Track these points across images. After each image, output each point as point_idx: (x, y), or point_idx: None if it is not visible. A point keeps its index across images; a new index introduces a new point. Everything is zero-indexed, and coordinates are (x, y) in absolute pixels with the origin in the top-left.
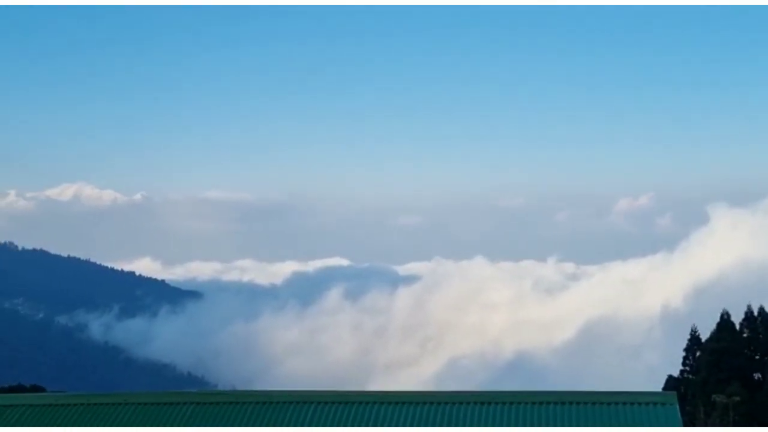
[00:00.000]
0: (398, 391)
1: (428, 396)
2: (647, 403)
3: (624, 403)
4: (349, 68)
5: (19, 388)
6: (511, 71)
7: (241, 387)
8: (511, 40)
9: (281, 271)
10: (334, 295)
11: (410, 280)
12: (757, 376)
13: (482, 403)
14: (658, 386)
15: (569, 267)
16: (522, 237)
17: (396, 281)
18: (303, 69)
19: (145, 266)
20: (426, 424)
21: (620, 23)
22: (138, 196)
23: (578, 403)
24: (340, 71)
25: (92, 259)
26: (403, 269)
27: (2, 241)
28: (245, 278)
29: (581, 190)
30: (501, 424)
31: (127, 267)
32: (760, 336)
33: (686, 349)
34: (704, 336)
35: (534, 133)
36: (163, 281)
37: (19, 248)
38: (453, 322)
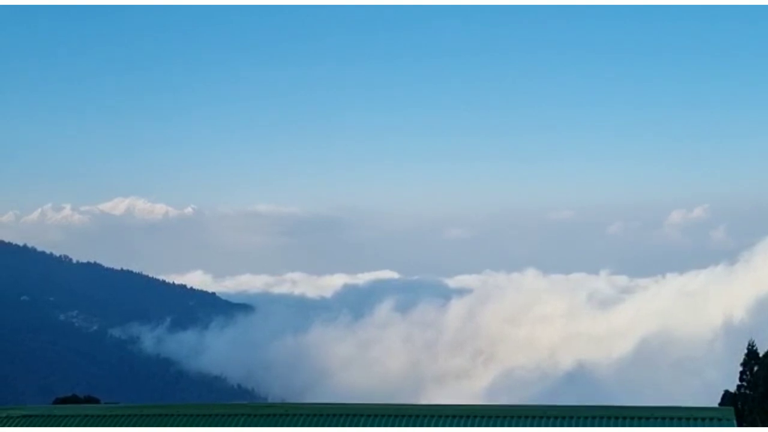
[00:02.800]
0: (450, 405)
1: (481, 409)
2: (704, 419)
3: (681, 419)
4: (398, 82)
5: (74, 399)
6: (563, 85)
7: (291, 400)
8: (561, 55)
9: (331, 283)
10: (384, 308)
11: (461, 292)
12: None
13: (536, 417)
14: (715, 401)
15: (622, 280)
16: (572, 250)
17: (446, 294)
18: (351, 84)
19: (196, 279)
20: None
21: (686, 30)
22: (189, 210)
23: (634, 418)
24: (390, 85)
25: (144, 272)
26: (453, 282)
27: (58, 255)
28: (295, 291)
29: (633, 202)
30: None
31: (178, 280)
32: None
33: (743, 364)
34: (763, 350)
35: (584, 145)
36: (213, 294)
37: (74, 261)
38: (505, 334)
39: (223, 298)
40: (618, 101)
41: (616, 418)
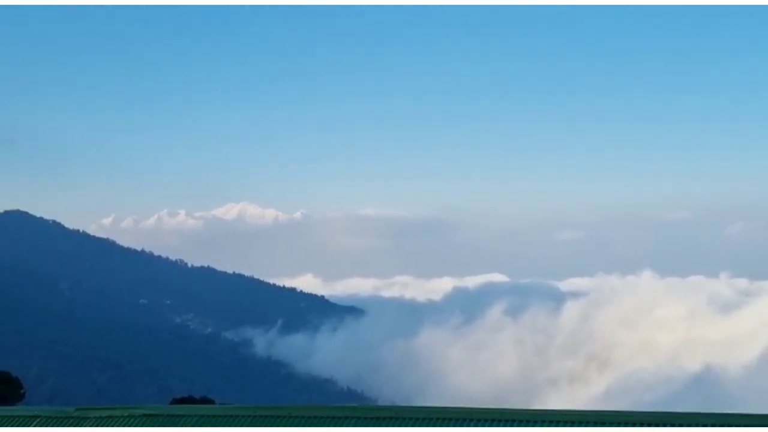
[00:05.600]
0: (565, 410)
1: (597, 415)
2: None
3: None
4: (502, 75)
5: (190, 400)
6: (673, 75)
7: (400, 403)
8: (679, 45)
9: (439, 287)
10: (495, 312)
11: (573, 296)
12: None
13: (658, 425)
14: None
15: (742, 283)
16: (690, 251)
17: (558, 297)
18: (455, 84)
19: (306, 282)
20: None
21: None
22: (298, 214)
23: (760, 426)
24: (494, 78)
25: (256, 276)
26: (565, 285)
27: (174, 259)
28: (404, 294)
29: (753, 202)
30: None
31: (289, 283)
32: None
33: None
34: None
35: (700, 142)
36: (323, 297)
37: (189, 265)
38: (621, 338)
39: (333, 301)
40: (734, 94)
41: (742, 425)
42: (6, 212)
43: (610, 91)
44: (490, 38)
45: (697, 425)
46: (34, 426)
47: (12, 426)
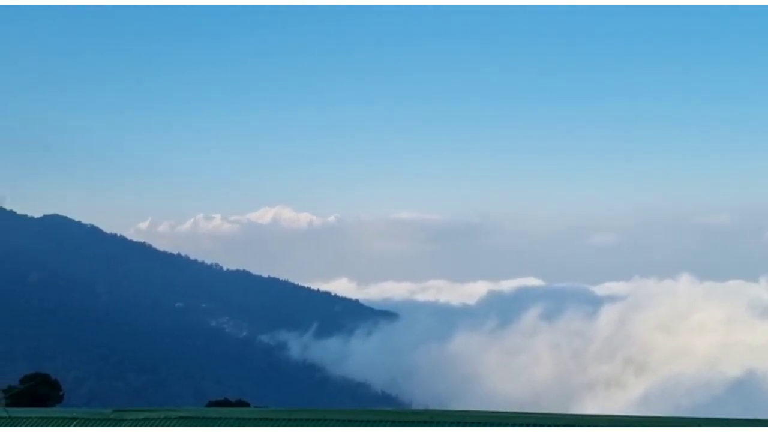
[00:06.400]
0: (603, 415)
1: (637, 420)
2: None
3: None
4: (537, 78)
5: (226, 402)
6: (713, 76)
7: (435, 407)
8: (716, 48)
9: (474, 291)
10: (530, 316)
11: (609, 300)
12: None
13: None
14: None
15: None
16: (727, 256)
17: (594, 301)
18: (489, 88)
19: (341, 286)
20: None
21: None
22: (332, 218)
23: None
24: (529, 82)
25: (291, 280)
26: (600, 289)
27: (209, 263)
28: (439, 298)
29: None
30: None
31: (323, 287)
32: None
33: None
34: None
35: (739, 145)
36: (357, 301)
37: (224, 269)
38: (658, 343)
39: (367, 305)
40: None
41: None
42: (45, 216)
43: (647, 93)
44: (520, 40)
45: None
46: (73, 426)
47: (51, 426)
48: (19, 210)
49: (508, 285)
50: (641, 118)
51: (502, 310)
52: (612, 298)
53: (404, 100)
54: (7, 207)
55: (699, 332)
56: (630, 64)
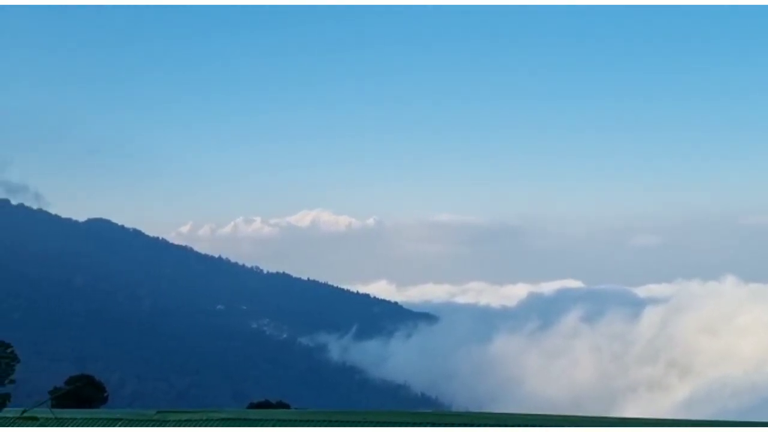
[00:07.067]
0: (645, 418)
1: (681, 424)
2: None
3: None
4: (578, 81)
5: (266, 404)
6: (756, 77)
7: (474, 409)
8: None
9: (513, 293)
10: (571, 318)
11: (651, 302)
12: None
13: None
14: None
15: None
16: None
17: (636, 303)
18: (528, 92)
19: (380, 289)
20: None
21: None
22: (371, 221)
23: None
24: (572, 84)
25: (330, 282)
26: (642, 291)
27: (250, 266)
28: (479, 301)
29: None
30: None
31: (363, 289)
32: None
33: None
34: None
35: None
36: (397, 303)
37: (264, 272)
38: (703, 345)
39: (407, 307)
40: None
41: None
42: (90, 220)
43: (690, 94)
44: (564, 40)
45: None
46: (117, 427)
47: (96, 427)
48: (64, 214)
49: (548, 287)
50: (686, 119)
51: (542, 312)
52: (654, 300)
53: (444, 103)
54: (53, 211)
55: (744, 334)
56: (669, 65)
